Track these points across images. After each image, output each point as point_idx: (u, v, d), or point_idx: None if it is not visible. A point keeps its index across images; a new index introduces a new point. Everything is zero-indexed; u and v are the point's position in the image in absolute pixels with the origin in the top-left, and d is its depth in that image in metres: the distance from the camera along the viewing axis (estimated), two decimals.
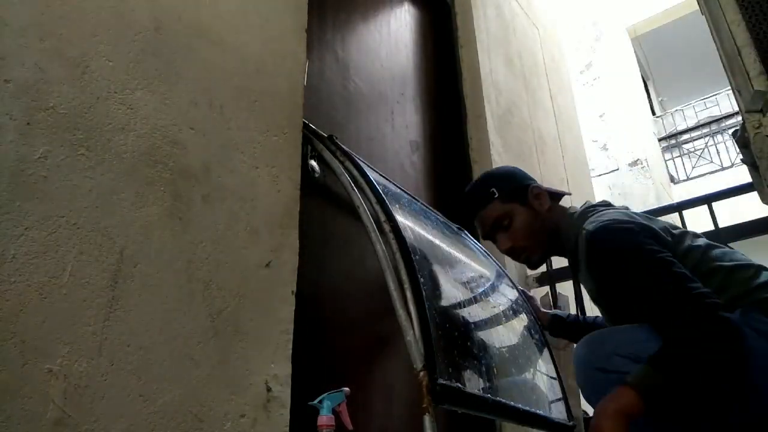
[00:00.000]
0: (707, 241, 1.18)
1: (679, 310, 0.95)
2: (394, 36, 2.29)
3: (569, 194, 1.42)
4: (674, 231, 1.19)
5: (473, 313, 1.39)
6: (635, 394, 0.90)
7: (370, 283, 1.60)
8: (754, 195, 1.66)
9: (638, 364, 0.95)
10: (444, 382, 0.99)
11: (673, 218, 2.26)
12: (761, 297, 1.03)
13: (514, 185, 1.36)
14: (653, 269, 1.02)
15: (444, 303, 1.25)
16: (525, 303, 1.73)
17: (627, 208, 1.29)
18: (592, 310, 1.57)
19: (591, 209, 1.30)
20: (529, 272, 2.33)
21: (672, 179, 7.47)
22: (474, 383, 1.13)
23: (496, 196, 1.35)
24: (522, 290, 1.77)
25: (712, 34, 1.61)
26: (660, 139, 7.78)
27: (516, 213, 1.33)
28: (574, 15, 7.30)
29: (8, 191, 0.80)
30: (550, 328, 1.65)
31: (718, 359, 0.90)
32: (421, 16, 2.59)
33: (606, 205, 1.32)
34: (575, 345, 1.17)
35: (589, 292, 1.35)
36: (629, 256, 1.07)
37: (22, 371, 0.75)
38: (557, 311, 1.74)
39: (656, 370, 0.91)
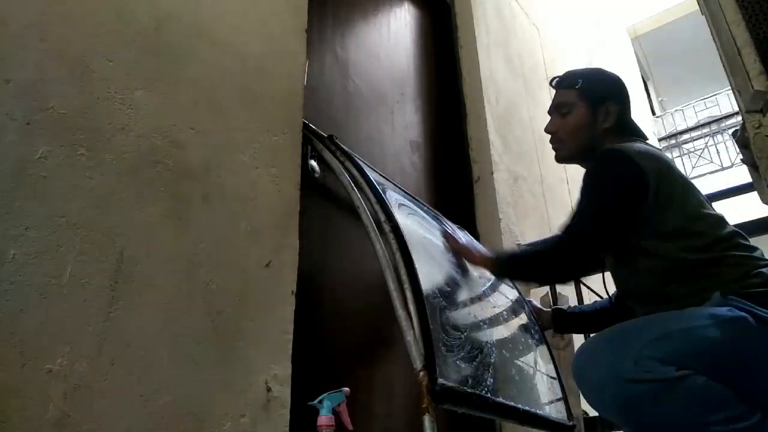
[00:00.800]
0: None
1: (571, 237, 1.24)
2: (394, 36, 2.29)
3: (647, 140, 1.43)
4: (703, 204, 1.22)
5: (473, 313, 1.39)
6: (493, 267, 1.46)
7: (370, 283, 1.60)
8: (754, 195, 1.66)
9: (666, 366, 0.92)
10: (444, 382, 0.99)
11: None
12: (756, 290, 1.05)
13: (598, 92, 1.40)
14: (601, 202, 1.21)
15: (444, 303, 1.24)
16: (525, 303, 1.73)
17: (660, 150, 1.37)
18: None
19: (626, 139, 1.34)
20: None
21: None
22: (474, 383, 1.13)
23: (577, 86, 1.40)
24: (521, 296, 1.77)
25: (712, 34, 1.61)
26: (660, 139, 7.78)
27: (578, 110, 1.38)
28: (574, 15, 7.30)
29: (8, 191, 0.80)
30: (555, 324, 1.63)
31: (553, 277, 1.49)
32: (421, 16, 2.59)
33: (643, 140, 1.37)
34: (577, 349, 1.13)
35: None
36: (601, 184, 1.23)
37: (22, 371, 0.75)
38: (557, 306, 1.72)
39: (511, 260, 1.48)
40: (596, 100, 1.38)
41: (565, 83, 1.43)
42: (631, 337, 1.00)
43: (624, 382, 0.93)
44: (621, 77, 1.48)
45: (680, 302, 1.07)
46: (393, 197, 1.42)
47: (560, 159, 1.47)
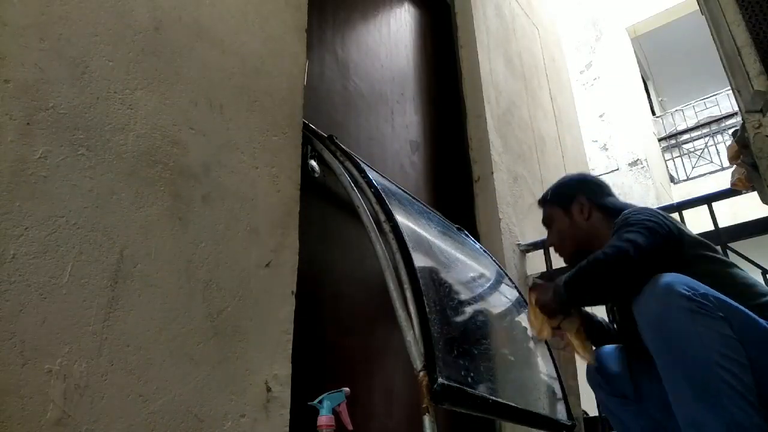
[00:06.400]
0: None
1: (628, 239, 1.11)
2: (394, 36, 2.29)
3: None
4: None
5: (473, 313, 1.39)
6: (563, 288, 1.17)
7: (370, 284, 1.60)
8: (754, 195, 1.65)
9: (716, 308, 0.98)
10: (444, 382, 0.99)
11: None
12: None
13: (564, 194, 1.48)
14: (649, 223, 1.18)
15: (444, 303, 1.24)
16: (525, 303, 1.73)
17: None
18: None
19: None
20: (529, 272, 2.33)
21: (672, 179, 7.46)
22: (474, 383, 1.13)
23: (548, 198, 1.50)
24: (521, 296, 1.77)
25: (712, 34, 1.61)
26: (660, 139, 7.77)
27: (556, 218, 1.46)
28: (574, 15, 7.30)
29: (8, 191, 0.80)
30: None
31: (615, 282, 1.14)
32: (421, 16, 2.59)
33: None
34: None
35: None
36: (644, 222, 1.20)
37: (22, 371, 0.75)
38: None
39: (578, 272, 1.16)
40: (566, 202, 1.45)
41: (540, 203, 1.54)
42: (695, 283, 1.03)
43: (675, 294, 0.99)
44: (587, 174, 1.52)
45: None
46: (392, 197, 1.42)
47: (568, 263, 1.47)
